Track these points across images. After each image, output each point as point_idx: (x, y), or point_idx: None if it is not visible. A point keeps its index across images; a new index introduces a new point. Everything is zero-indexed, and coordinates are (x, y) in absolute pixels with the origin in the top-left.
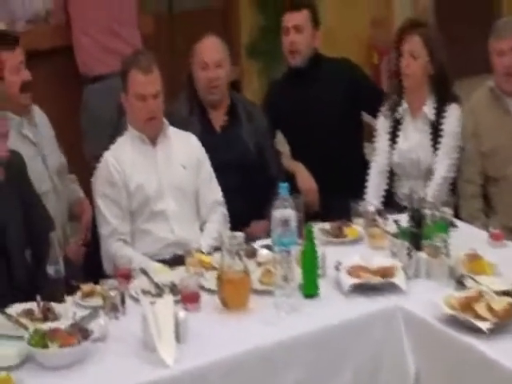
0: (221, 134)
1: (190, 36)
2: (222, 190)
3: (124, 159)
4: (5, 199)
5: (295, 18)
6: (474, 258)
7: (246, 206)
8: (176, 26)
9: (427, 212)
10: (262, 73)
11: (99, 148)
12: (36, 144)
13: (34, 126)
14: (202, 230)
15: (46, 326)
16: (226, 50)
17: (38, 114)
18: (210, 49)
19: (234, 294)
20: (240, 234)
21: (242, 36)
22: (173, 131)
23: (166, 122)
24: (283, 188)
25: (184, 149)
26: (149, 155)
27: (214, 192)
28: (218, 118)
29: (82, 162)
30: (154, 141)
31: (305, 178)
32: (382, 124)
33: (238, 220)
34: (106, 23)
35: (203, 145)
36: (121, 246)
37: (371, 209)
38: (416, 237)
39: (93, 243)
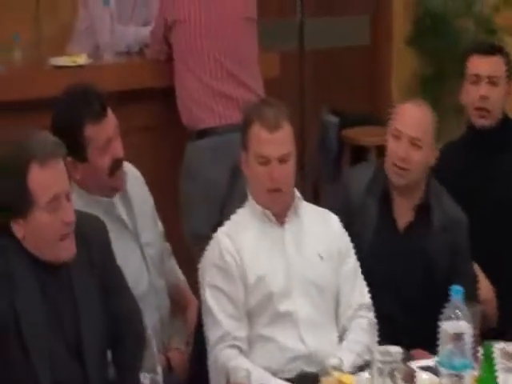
0: (403, 234)
1: (325, 81)
2: (384, 304)
3: (242, 241)
4: (89, 283)
5: (491, 66)
6: None
7: (414, 324)
8: (308, 68)
9: None
10: None
11: (205, 224)
12: (132, 230)
13: (129, 205)
14: (341, 340)
15: None
16: (432, 128)
17: (132, 178)
18: (411, 118)
19: None
20: (397, 350)
21: (394, 85)
22: (308, 207)
23: (298, 194)
24: (456, 292)
25: (322, 232)
26: (275, 238)
27: (359, 293)
28: (404, 212)
29: (178, 241)
30: (281, 219)
31: (481, 282)
32: None
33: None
34: (219, 61)
35: (375, 241)
36: (235, 355)
37: None
38: None
39: (197, 348)
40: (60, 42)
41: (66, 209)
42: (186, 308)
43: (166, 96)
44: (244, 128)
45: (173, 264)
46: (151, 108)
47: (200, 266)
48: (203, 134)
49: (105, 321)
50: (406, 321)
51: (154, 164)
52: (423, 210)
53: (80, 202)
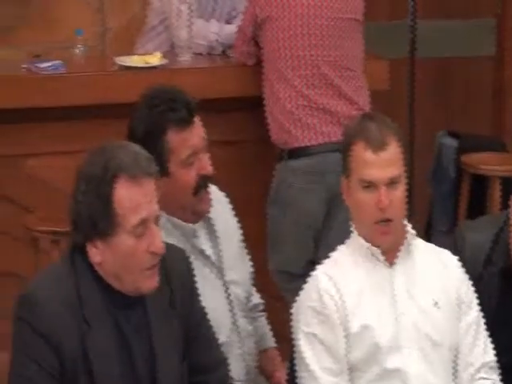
0: None
1: (441, 96)
2: None
3: (344, 283)
4: (168, 325)
5: None
6: None
7: None
8: (420, 80)
9: None
10: None
11: (296, 261)
12: (216, 264)
13: (213, 235)
14: None
15: None
16: None
17: (218, 204)
18: None
19: None
20: None
21: None
22: (422, 245)
23: (410, 229)
24: None
25: (439, 276)
26: (383, 280)
27: (482, 350)
28: None
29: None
30: (391, 258)
31: None
32: None
33: None
34: (316, 67)
35: (495, 320)
36: None
37: None
38: None
39: None
40: (128, 38)
41: (154, 236)
42: (272, 375)
43: (252, 107)
44: (345, 148)
45: (263, 325)
46: (234, 121)
47: (293, 309)
48: (296, 153)
49: (184, 370)
50: None
51: (237, 185)
52: None
53: None
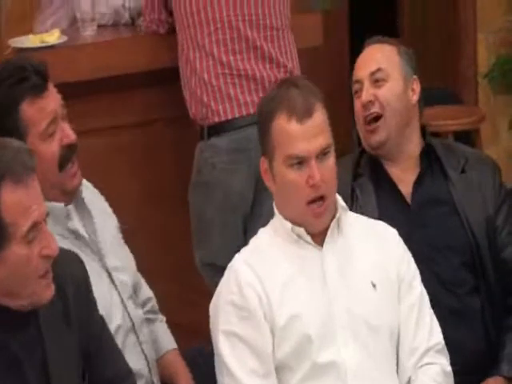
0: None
1: None
2: None
3: (267, 271)
4: (64, 343)
5: None
6: None
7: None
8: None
9: None
10: None
11: (223, 250)
12: (95, 250)
13: (89, 218)
14: None
15: None
16: None
17: (87, 190)
18: None
19: None
20: None
21: (480, 50)
22: (355, 220)
23: (341, 202)
24: None
25: (375, 252)
26: (311, 264)
27: (428, 332)
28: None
29: (190, 268)
30: (319, 237)
31: None
32: None
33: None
34: (236, 29)
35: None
36: None
37: None
38: None
39: None
40: (25, 16)
41: (47, 238)
42: (177, 376)
43: (166, 82)
44: (263, 125)
45: (157, 328)
46: (147, 99)
47: (211, 306)
48: (218, 129)
49: None
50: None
51: (151, 172)
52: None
53: None
